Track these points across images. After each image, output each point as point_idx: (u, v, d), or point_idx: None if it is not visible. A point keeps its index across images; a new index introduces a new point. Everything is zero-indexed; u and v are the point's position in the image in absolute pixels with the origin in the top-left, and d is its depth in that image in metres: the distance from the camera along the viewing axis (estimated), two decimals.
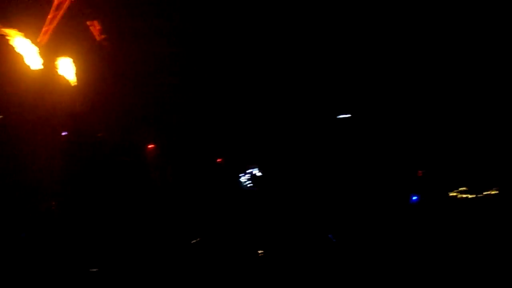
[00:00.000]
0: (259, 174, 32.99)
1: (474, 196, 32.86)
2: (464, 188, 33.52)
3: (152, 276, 20.17)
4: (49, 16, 24.22)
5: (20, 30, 23.10)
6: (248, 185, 32.45)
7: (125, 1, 25.75)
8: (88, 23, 25.36)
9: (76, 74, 24.72)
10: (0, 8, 21.76)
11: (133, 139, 26.86)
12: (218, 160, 31.45)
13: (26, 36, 23.27)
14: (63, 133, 25.03)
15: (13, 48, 22.70)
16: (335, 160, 33.53)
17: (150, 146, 27.87)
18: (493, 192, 31.73)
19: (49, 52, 24.28)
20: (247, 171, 32.55)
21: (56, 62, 24.50)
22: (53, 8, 24.30)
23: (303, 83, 31.63)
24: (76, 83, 24.91)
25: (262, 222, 27.81)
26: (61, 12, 24.40)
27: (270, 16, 28.62)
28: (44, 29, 24.10)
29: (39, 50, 23.84)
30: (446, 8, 28.03)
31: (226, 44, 28.96)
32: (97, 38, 25.52)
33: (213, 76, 29.18)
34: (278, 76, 31.23)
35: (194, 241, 24.88)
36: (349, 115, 33.34)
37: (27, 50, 23.50)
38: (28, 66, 23.64)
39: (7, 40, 22.42)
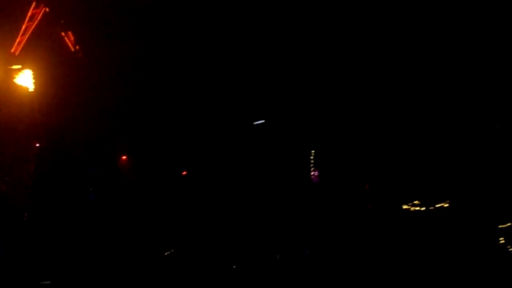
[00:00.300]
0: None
1: (425, 208, 33.77)
2: (416, 202, 34.42)
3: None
4: (22, 27, 24.06)
5: None
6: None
7: (99, 12, 25.81)
8: (62, 33, 25.28)
9: (49, 84, 24.55)
10: None
11: (105, 150, 26.81)
12: (183, 173, 31.57)
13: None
14: (36, 145, 24.82)
15: None
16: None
17: (123, 158, 27.89)
18: (445, 205, 32.65)
19: (22, 63, 24.07)
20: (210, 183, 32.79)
21: (29, 73, 24.26)
22: (26, 18, 24.16)
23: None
24: (48, 93, 24.73)
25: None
26: (35, 22, 24.28)
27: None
28: (17, 39, 23.92)
29: (12, 60, 23.66)
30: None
31: (197, 54, 29.31)
32: (71, 48, 25.46)
33: (184, 85, 29.43)
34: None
35: (168, 252, 25.04)
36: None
37: None
38: None
39: None
